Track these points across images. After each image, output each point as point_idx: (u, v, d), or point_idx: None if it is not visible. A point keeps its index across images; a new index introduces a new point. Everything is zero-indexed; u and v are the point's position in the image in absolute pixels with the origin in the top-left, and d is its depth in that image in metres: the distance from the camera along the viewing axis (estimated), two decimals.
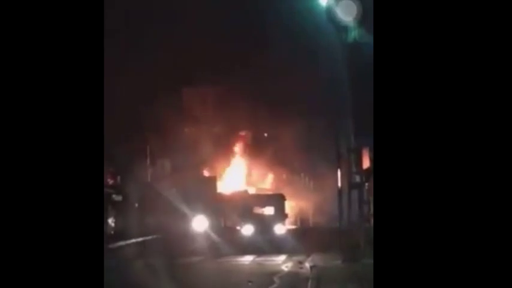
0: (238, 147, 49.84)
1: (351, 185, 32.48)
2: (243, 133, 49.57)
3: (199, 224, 38.95)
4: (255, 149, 49.16)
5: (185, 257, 29.97)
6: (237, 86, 46.42)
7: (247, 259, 28.91)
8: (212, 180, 44.90)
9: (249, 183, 48.80)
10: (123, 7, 38.21)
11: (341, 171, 33.63)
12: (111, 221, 39.23)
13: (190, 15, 43.33)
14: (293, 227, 41.85)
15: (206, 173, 47.37)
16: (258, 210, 38.07)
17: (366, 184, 30.84)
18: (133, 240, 35.27)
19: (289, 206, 41.91)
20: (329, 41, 31.71)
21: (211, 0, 43.17)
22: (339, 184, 33.57)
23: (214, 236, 35.48)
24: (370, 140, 27.94)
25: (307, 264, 24.83)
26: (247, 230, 36.60)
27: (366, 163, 30.16)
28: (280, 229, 36.96)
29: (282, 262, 26.70)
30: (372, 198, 29.29)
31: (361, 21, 26.16)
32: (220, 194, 43.73)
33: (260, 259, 28.57)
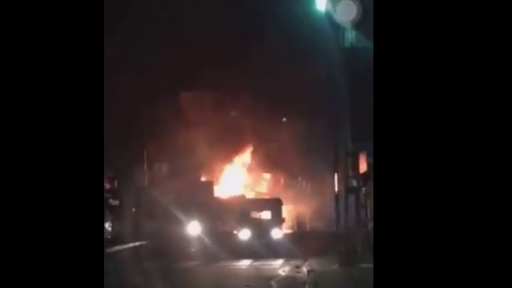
0: (235, 152, 49.81)
1: (347, 189, 32.52)
2: (239, 138, 49.55)
3: (196, 228, 38.92)
4: (252, 154, 49.14)
5: (182, 262, 29.94)
6: (235, 90, 46.42)
7: (245, 263, 28.90)
8: (209, 185, 44.87)
9: (246, 187, 48.77)
10: (122, 7, 38.23)
11: (338, 175, 33.65)
12: (108, 226, 39.18)
13: (189, 18, 43.33)
14: (290, 231, 41.78)
15: (203, 178, 47.34)
16: (255, 214, 38.04)
17: (363, 188, 30.89)
18: (131, 245, 35.22)
19: (286, 211, 41.86)
20: (327, 45, 31.76)
21: (210, 3, 43.17)
22: (336, 188, 33.59)
23: (211, 241, 35.44)
24: (367, 145, 28.08)
25: (304, 269, 24.82)
26: (245, 234, 36.57)
27: (363, 167, 30.19)
28: (277, 233, 36.93)
29: (279, 266, 26.68)
30: (369, 203, 29.32)
31: (360, 22, 26.18)
32: (217, 199, 43.69)
33: (257, 263, 28.55)
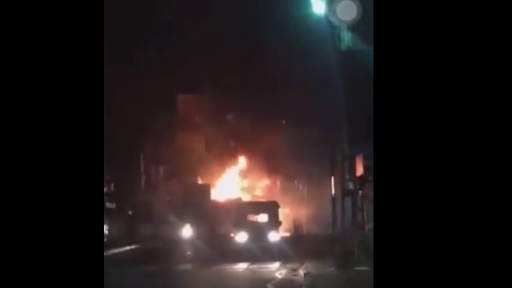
0: (232, 155, 49.78)
1: (344, 192, 32.53)
2: (236, 141, 49.53)
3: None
4: (248, 157, 49.13)
5: (179, 265, 29.90)
6: (232, 93, 46.41)
7: (241, 266, 28.86)
8: (206, 188, 44.83)
9: (242, 190, 48.75)
10: (121, 9, 38.22)
11: (334, 178, 33.69)
12: (104, 229, 39.15)
13: (187, 21, 43.34)
14: (287, 234, 41.75)
15: (200, 181, 47.30)
16: (252, 217, 37.98)
17: (360, 191, 30.88)
18: (127, 248, 35.17)
19: (283, 214, 41.82)
20: (323, 48, 31.77)
21: (208, 8, 43.19)
22: (333, 191, 33.61)
23: (207, 244, 35.38)
24: (364, 148, 28.09)
25: (301, 272, 24.80)
26: (241, 237, 36.53)
27: (360, 170, 30.17)
28: (274, 236, 36.88)
29: (275, 269, 26.65)
30: (365, 206, 29.31)
31: (360, 22, 26.18)
32: (214, 202, 43.66)
33: (254, 266, 28.52)
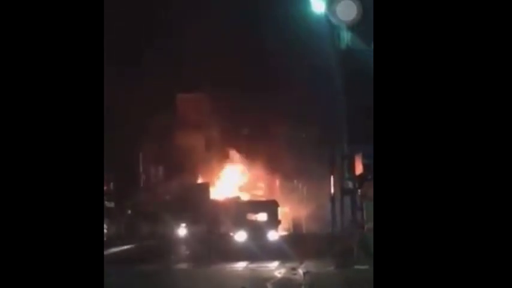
0: (231, 154, 49.77)
1: (343, 191, 32.55)
2: (236, 139, 49.51)
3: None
4: (248, 156, 49.10)
5: (178, 264, 29.90)
6: (231, 92, 46.38)
7: (241, 265, 28.85)
8: (205, 187, 44.82)
9: (242, 189, 48.73)
10: (121, 9, 38.21)
11: (334, 177, 33.69)
12: (103, 228, 39.15)
13: (187, 20, 43.32)
14: (286, 233, 41.74)
15: (199, 180, 47.28)
16: (251, 216, 38.01)
17: (359, 190, 30.89)
18: (126, 247, 35.16)
19: (282, 212, 41.83)
20: (322, 47, 31.76)
21: (208, 7, 43.18)
22: (332, 190, 33.61)
23: (206, 243, 35.37)
24: (363, 146, 28.11)
25: (300, 271, 24.79)
26: (240, 236, 36.55)
27: (359, 169, 30.19)
28: (273, 235, 36.90)
29: (275, 268, 26.64)
30: (365, 204, 29.33)
31: (359, 22, 26.17)
32: (213, 201, 43.66)
33: (253, 265, 28.51)
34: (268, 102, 44.83)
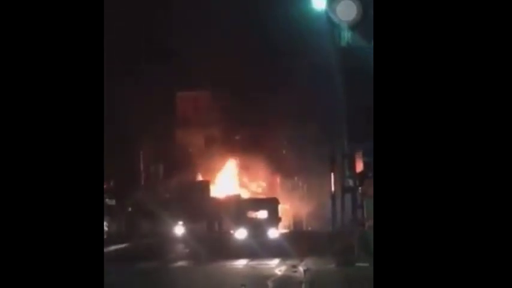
0: (231, 152, 49.81)
1: (344, 189, 32.55)
2: (236, 137, 49.56)
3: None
4: (248, 153, 49.13)
5: (178, 261, 29.93)
6: (230, 90, 46.41)
7: (241, 263, 28.86)
8: (206, 184, 44.88)
9: (242, 187, 48.79)
10: (121, 9, 38.21)
11: (334, 175, 33.69)
12: (104, 225, 39.20)
13: (187, 18, 43.33)
14: (286, 230, 41.80)
15: (200, 177, 47.34)
16: (252, 214, 38.05)
17: (359, 188, 30.88)
18: (127, 244, 35.19)
19: (283, 210, 41.90)
20: (323, 45, 31.75)
21: (208, 6, 43.20)
22: (332, 188, 33.62)
23: (207, 240, 35.40)
24: (364, 144, 28.08)
25: (300, 268, 24.79)
26: (241, 233, 36.59)
27: (359, 167, 30.16)
28: (273, 233, 36.94)
29: (275, 266, 26.64)
30: (365, 202, 29.32)
31: (359, 22, 26.16)
32: (213, 198, 43.73)
33: (253, 263, 28.52)
34: (268, 100, 44.86)
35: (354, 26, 26.69)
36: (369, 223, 27.56)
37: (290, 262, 26.93)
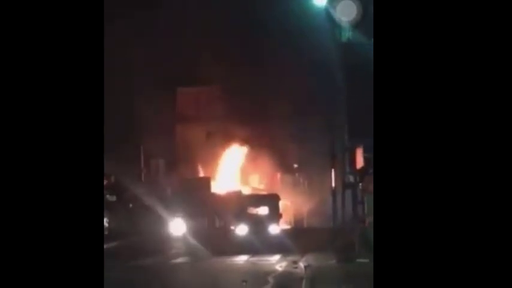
0: (232, 147, 49.78)
1: (344, 185, 32.57)
2: (237, 133, 49.52)
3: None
4: (249, 149, 49.11)
5: (179, 257, 29.95)
6: (231, 85, 46.37)
7: (242, 259, 28.90)
8: (206, 180, 44.83)
9: (243, 183, 48.76)
10: (122, 3, 38.21)
11: (335, 171, 33.69)
12: (105, 222, 39.21)
13: (186, 13, 43.29)
14: (287, 227, 41.78)
15: (200, 173, 47.31)
16: (252, 210, 38.02)
17: (360, 184, 30.90)
18: (127, 240, 35.20)
19: (284, 206, 41.87)
20: (323, 40, 31.73)
21: (209, 1, 43.18)
22: (333, 184, 33.62)
23: (207, 237, 35.40)
24: (364, 140, 28.10)
25: (301, 264, 24.82)
26: (242, 229, 36.58)
27: (360, 163, 30.18)
28: (274, 229, 36.93)
29: (276, 262, 26.68)
30: (366, 198, 29.33)
31: (359, 22, 26.16)
32: (214, 194, 43.69)
33: (254, 259, 28.55)
34: (269, 96, 44.81)
35: (354, 25, 26.70)
36: (370, 219, 27.58)
37: (291, 258, 26.96)
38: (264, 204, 38.30)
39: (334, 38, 30.12)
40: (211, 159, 47.90)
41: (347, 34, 29.39)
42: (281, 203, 40.00)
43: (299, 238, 33.72)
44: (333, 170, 33.69)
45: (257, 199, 39.93)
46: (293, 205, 45.64)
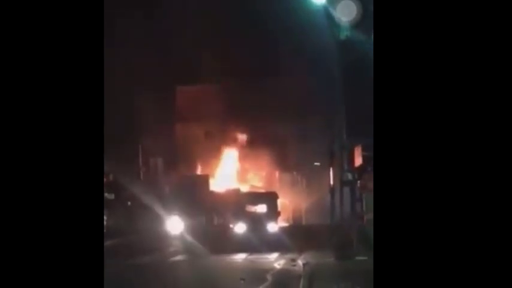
0: (231, 146, 49.81)
1: (343, 183, 32.59)
2: (235, 131, 49.56)
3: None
4: (247, 147, 49.13)
5: (178, 255, 29.98)
6: (229, 84, 46.39)
7: (240, 257, 28.93)
8: (205, 178, 44.83)
9: (241, 181, 48.78)
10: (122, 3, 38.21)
11: (333, 169, 33.71)
12: (103, 219, 39.23)
13: (185, 12, 43.29)
14: (286, 224, 41.81)
15: (199, 171, 47.33)
16: (251, 208, 38.03)
17: (358, 182, 30.93)
18: (125, 238, 35.21)
19: (282, 204, 41.88)
20: (322, 38, 31.74)
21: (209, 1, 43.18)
22: (331, 182, 33.63)
23: (205, 235, 35.42)
24: (362, 138, 28.11)
25: (299, 262, 24.86)
26: (240, 228, 36.60)
27: (358, 161, 30.21)
28: (272, 227, 36.95)
29: (274, 260, 26.71)
30: (364, 196, 29.38)
31: (359, 22, 26.18)
32: (212, 192, 43.69)
33: (253, 257, 28.59)
34: (268, 94, 44.82)
35: (354, 25, 26.72)
36: (368, 217, 27.62)
37: (289, 256, 27.01)
38: (262, 202, 38.30)
39: (332, 35, 30.13)
40: (210, 158, 47.93)
41: (345, 32, 29.41)
42: (279, 201, 40.03)
43: (297, 236, 33.76)
44: (331, 168, 33.71)
45: (255, 197, 39.93)
46: (291, 203, 45.67)
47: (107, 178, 42.31)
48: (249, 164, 49.23)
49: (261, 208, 38.01)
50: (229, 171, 49.05)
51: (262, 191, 44.10)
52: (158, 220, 38.96)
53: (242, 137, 49.30)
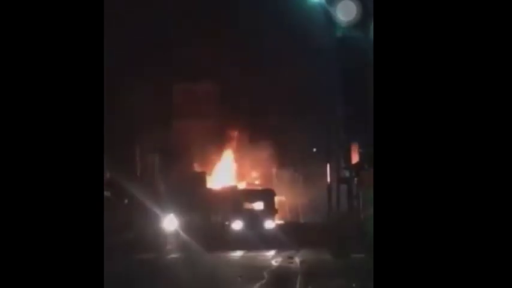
0: (228, 143, 49.89)
1: (340, 180, 32.66)
2: (232, 129, 49.61)
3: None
4: (245, 145, 49.21)
5: (175, 253, 30.01)
6: (228, 82, 46.45)
7: (237, 254, 28.96)
8: (202, 176, 44.92)
9: (238, 178, 48.86)
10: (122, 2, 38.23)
11: (330, 166, 33.77)
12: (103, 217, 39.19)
13: (184, 8, 43.33)
14: (283, 222, 41.89)
15: (196, 169, 47.39)
16: (248, 205, 38.07)
17: (355, 179, 30.99)
18: (123, 236, 35.20)
19: (279, 201, 41.96)
20: (319, 34, 31.77)
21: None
22: (328, 179, 33.69)
23: (203, 232, 35.46)
24: (359, 135, 28.17)
25: (296, 259, 24.90)
26: (237, 225, 36.64)
27: (355, 158, 30.26)
28: (269, 224, 37.00)
29: (271, 257, 26.75)
30: (361, 193, 29.41)
31: (359, 22, 26.18)
32: (210, 189, 43.76)
33: (250, 254, 28.62)
34: (265, 92, 44.90)
35: (354, 25, 26.70)
36: (365, 214, 27.65)
37: (286, 253, 27.04)
38: (259, 200, 38.35)
39: (329, 31, 30.14)
40: (207, 155, 47.99)
41: (342, 30, 29.42)
42: (276, 199, 40.08)
43: (294, 233, 33.82)
44: (328, 165, 33.77)
45: (252, 194, 39.97)
46: (288, 200, 45.76)
47: (104, 176, 42.32)
48: (246, 161, 49.30)
49: (258, 205, 38.06)
50: (226, 168, 49.12)
51: (259, 188, 44.17)
52: (155, 217, 39.00)
53: (239, 134, 49.36)
